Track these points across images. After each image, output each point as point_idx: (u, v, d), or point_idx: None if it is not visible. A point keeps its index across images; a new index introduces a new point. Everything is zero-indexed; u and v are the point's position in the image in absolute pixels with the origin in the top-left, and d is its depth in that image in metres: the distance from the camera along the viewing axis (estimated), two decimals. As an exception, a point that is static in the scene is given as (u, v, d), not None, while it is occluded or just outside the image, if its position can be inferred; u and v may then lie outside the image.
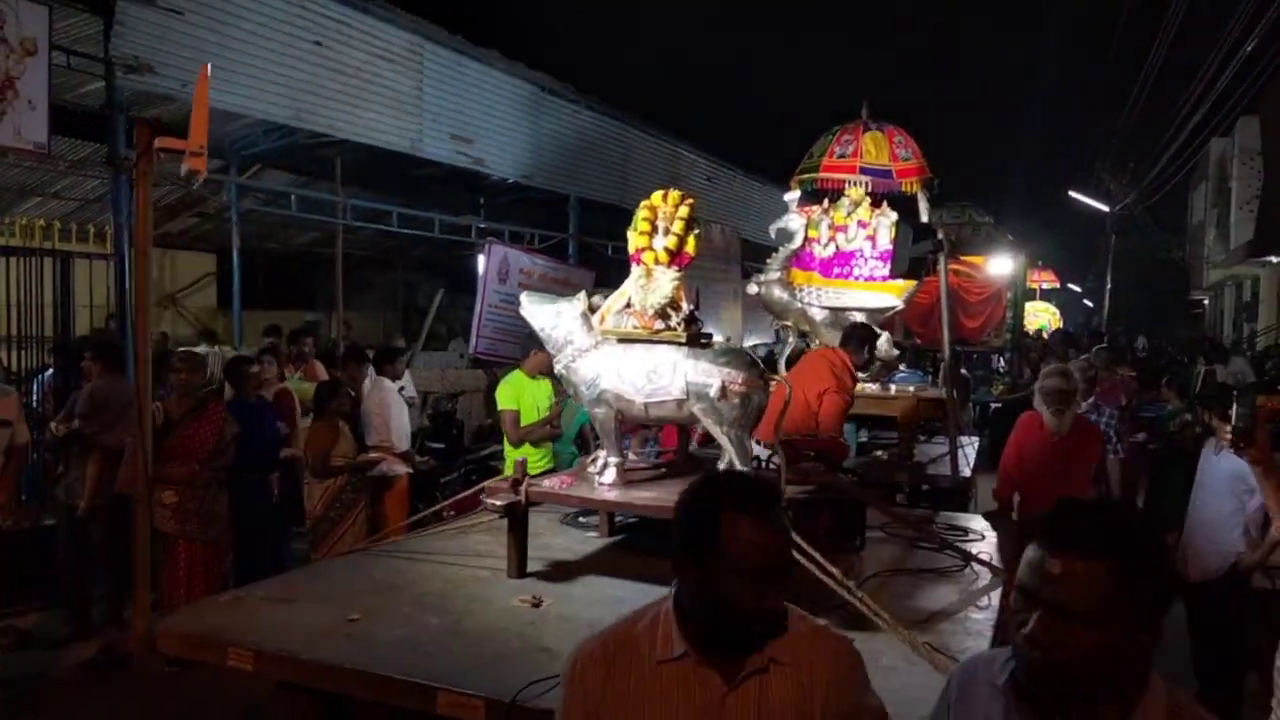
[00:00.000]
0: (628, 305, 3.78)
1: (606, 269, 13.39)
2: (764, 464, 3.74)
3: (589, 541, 4.23)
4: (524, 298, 4.02)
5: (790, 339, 7.21)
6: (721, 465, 3.73)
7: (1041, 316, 21.81)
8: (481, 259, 10.01)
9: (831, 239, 7.17)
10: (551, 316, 3.92)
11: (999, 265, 14.72)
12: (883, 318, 6.90)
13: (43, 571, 5.96)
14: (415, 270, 18.83)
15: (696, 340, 3.71)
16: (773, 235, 7.22)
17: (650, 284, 3.70)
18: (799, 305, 6.91)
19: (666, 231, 3.74)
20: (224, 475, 5.47)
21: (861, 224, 7.06)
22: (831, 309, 6.85)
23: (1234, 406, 3.02)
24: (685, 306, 3.71)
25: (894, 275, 6.80)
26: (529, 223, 12.45)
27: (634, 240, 3.77)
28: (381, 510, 6.20)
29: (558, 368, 3.91)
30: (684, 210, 3.78)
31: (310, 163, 11.13)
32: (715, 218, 15.64)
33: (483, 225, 12.13)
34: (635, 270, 3.75)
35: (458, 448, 8.86)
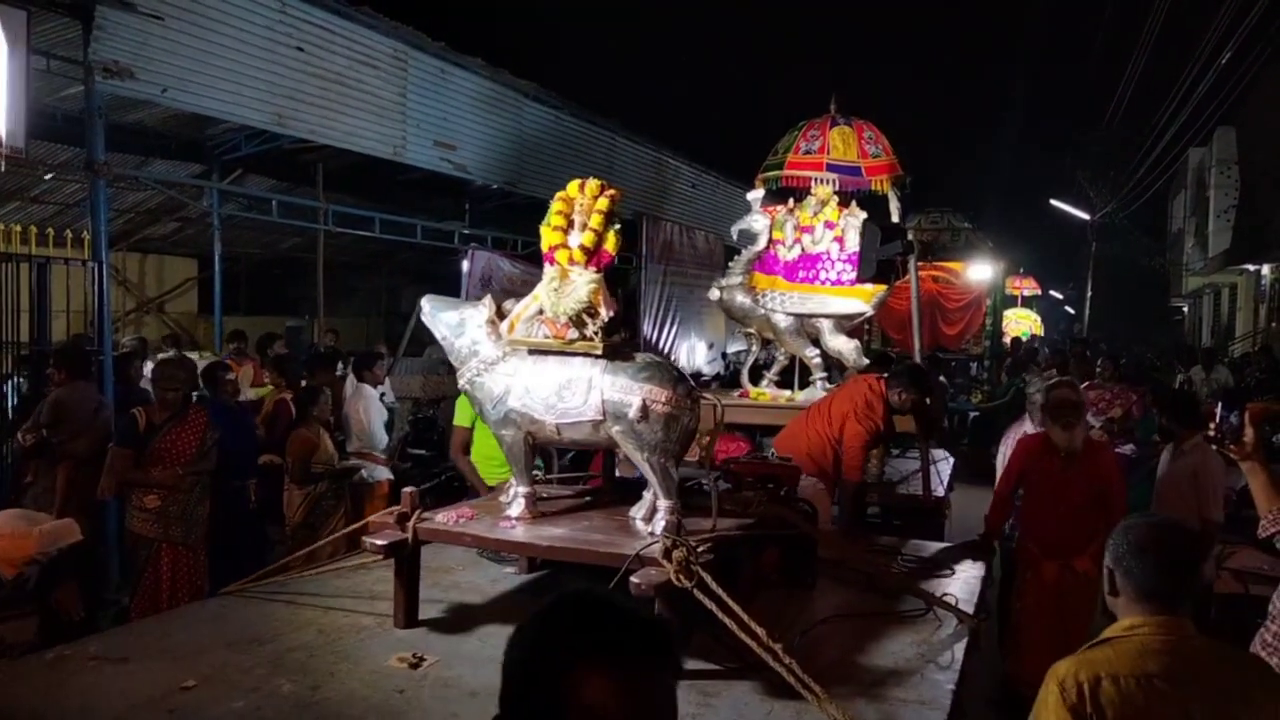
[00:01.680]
0: (540, 312, 3.36)
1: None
2: (700, 487, 3.42)
3: (504, 580, 3.75)
4: (425, 302, 3.61)
5: (754, 347, 6.93)
6: (642, 507, 3.31)
7: (1023, 323, 21.95)
8: (465, 264, 10.01)
9: (797, 241, 6.69)
10: (454, 324, 3.52)
11: (978, 271, 14.58)
12: (851, 325, 6.59)
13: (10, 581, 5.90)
14: (398, 276, 18.79)
15: (616, 352, 3.27)
16: (734, 237, 6.88)
17: (565, 287, 3.25)
18: (762, 311, 6.53)
19: (583, 227, 3.30)
20: (207, 480, 5.45)
21: (829, 225, 6.60)
22: (796, 315, 6.48)
23: (1219, 407, 3.18)
24: (604, 312, 3.27)
25: (861, 279, 6.38)
26: (512, 229, 12.45)
27: (546, 237, 3.36)
28: (362, 517, 6.18)
29: (461, 383, 3.48)
30: (603, 202, 3.33)
31: (293, 168, 11.09)
32: (699, 224, 15.70)
33: (466, 231, 12.12)
34: (548, 271, 3.33)
35: (439, 454, 8.84)
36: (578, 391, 3.24)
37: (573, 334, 3.28)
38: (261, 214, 11.24)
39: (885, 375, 5.29)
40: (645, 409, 3.13)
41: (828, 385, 6.49)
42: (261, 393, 8.11)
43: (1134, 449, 7.79)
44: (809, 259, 6.64)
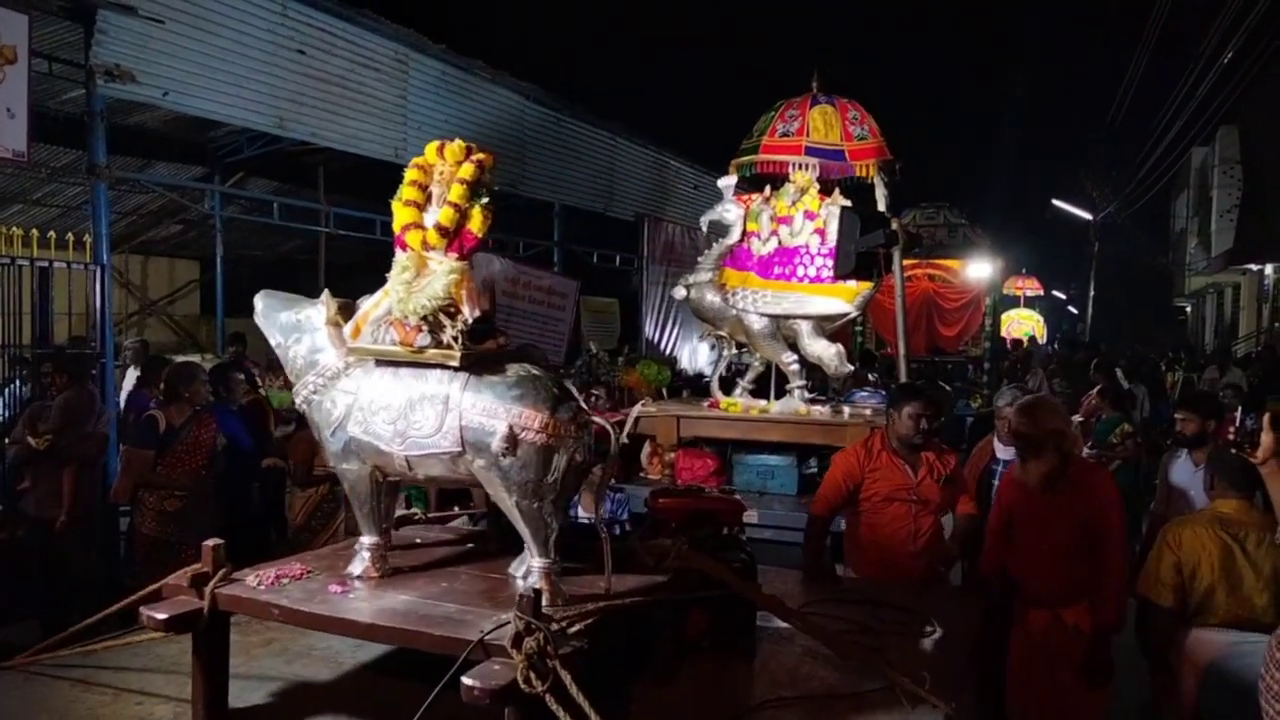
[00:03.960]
0: (390, 311, 2.68)
1: (592, 277, 13.42)
2: (601, 531, 2.62)
3: (364, 649, 2.92)
4: (258, 300, 2.93)
5: (726, 352, 6.27)
6: (523, 564, 2.62)
7: (1025, 324, 21.90)
8: (466, 267, 10.01)
9: (773, 233, 5.97)
10: (289, 327, 2.83)
11: (977, 269, 13.80)
12: (833, 327, 5.90)
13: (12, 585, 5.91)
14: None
15: (483, 363, 2.57)
16: (703, 229, 6.23)
17: (418, 279, 2.61)
18: (734, 312, 5.88)
19: (441, 200, 2.64)
20: (217, 484, 5.48)
21: (809, 215, 5.85)
22: (771, 316, 5.81)
23: (1239, 410, 3.25)
24: (467, 311, 2.60)
25: (839, 274, 5.64)
26: (514, 231, 12.45)
27: (397, 214, 2.69)
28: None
29: (298, 401, 2.81)
30: (466, 169, 2.63)
31: (294, 171, 11.10)
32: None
33: (468, 233, 12.11)
34: (399, 259, 2.66)
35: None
36: (430, 415, 2.54)
37: (423, 339, 2.57)
38: (263, 216, 11.25)
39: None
40: (512, 438, 2.43)
41: (807, 395, 5.94)
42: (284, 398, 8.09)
43: (1093, 451, 7.64)
44: (786, 253, 5.91)
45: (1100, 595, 3.61)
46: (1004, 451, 4.90)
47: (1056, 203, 27.36)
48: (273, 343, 2.89)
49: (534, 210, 12.88)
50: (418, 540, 3.18)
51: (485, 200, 2.64)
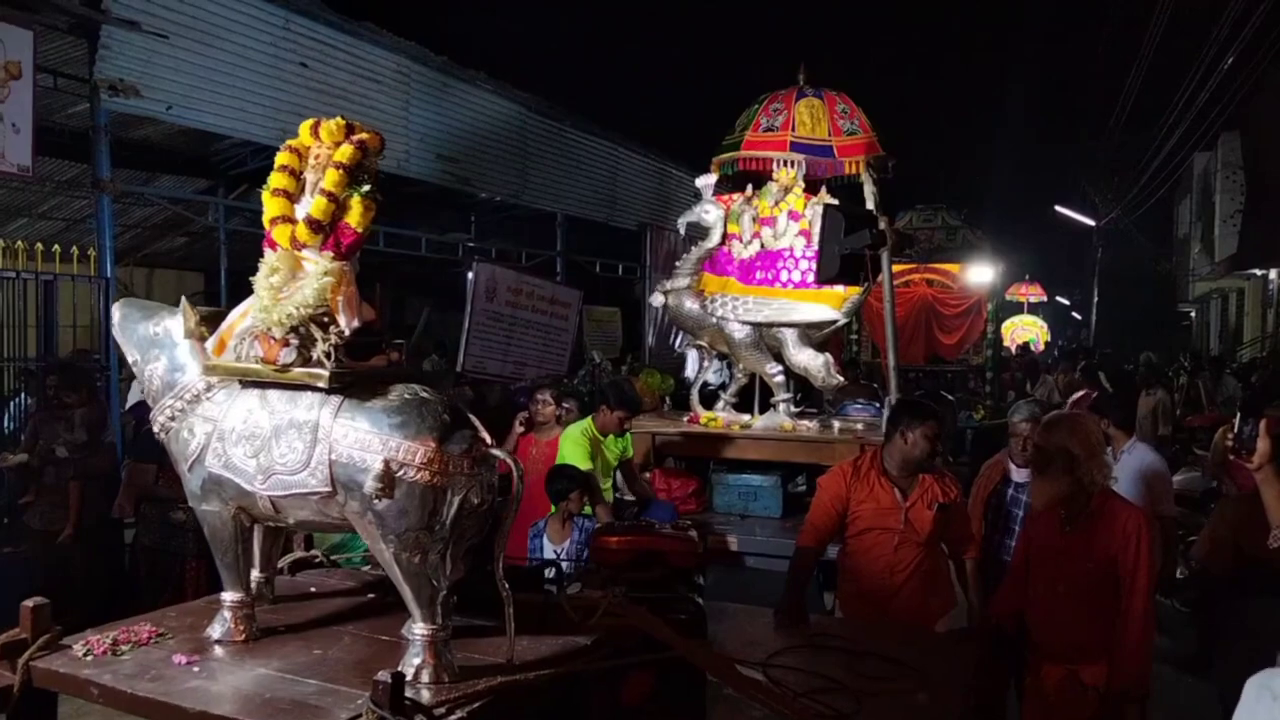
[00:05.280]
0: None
1: (595, 287, 13.46)
2: (502, 587, 2.17)
3: None
4: (116, 311, 2.53)
5: (707, 363, 5.89)
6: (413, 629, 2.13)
7: (1029, 330, 21.86)
8: (469, 277, 10.04)
9: (756, 235, 5.57)
10: (146, 342, 2.44)
11: (977, 274, 13.13)
12: (820, 335, 5.49)
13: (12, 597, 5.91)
14: (403, 288, 18.84)
15: (361, 385, 2.17)
16: (681, 231, 5.87)
17: (292, 283, 2.22)
18: (714, 320, 5.47)
19: (315, 189, 2.24)
20: None
21: (793, 215, 5.45)
22: (753, 324, 5.40)
23: (1236, 417, 3.19)
24: (345, 321, 2.21)
25: (822, 278, 5.22)
26: (516, 241, 12.50)
27: (267, 206, 2.28)
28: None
29: (155, 428, 2.41)
30: (344, 151, 2.23)
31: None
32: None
33: (470, 243, 12.17)
34: (266, 260, 2.27)
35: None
36: (298, 446, 2.14)
37: (288, 355, 2.17)
38: (267, 228, 11.28)
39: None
40: (389, 476, 2.02)
41: (794, 409, 5.51)
42: None
43: None
44: (769, 256, 5.51)
45: (1118, 652, 3.14)
46: (1018, 473, 4.36)
47: (1059, 208, 27.36)
48: (129, 360, 2.49)
49: (537, 220, 12.92)
50: (312, 589, 2.72)
51: (367, 188, 2.24)
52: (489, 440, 2.19)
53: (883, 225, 5.27)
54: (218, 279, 11.72)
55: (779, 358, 5.48)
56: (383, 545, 2.09)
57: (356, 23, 8.97)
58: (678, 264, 5.66)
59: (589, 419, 5.06)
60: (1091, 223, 26.79)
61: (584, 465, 4.76)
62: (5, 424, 6.71)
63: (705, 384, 6.00)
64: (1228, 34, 14.83)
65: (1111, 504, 3.30)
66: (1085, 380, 9.85)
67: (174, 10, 7.19)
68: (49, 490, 5.70)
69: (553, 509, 4.63)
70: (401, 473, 2.03)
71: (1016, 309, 21.49)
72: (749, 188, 5.68)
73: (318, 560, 2.97)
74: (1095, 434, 3.35)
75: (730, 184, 5.85)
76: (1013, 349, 18.32)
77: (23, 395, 6.82)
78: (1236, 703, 2.20)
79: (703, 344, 5.72)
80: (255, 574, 2.53)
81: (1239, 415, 3.22)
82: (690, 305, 5.50)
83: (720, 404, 5.79)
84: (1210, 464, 6.99)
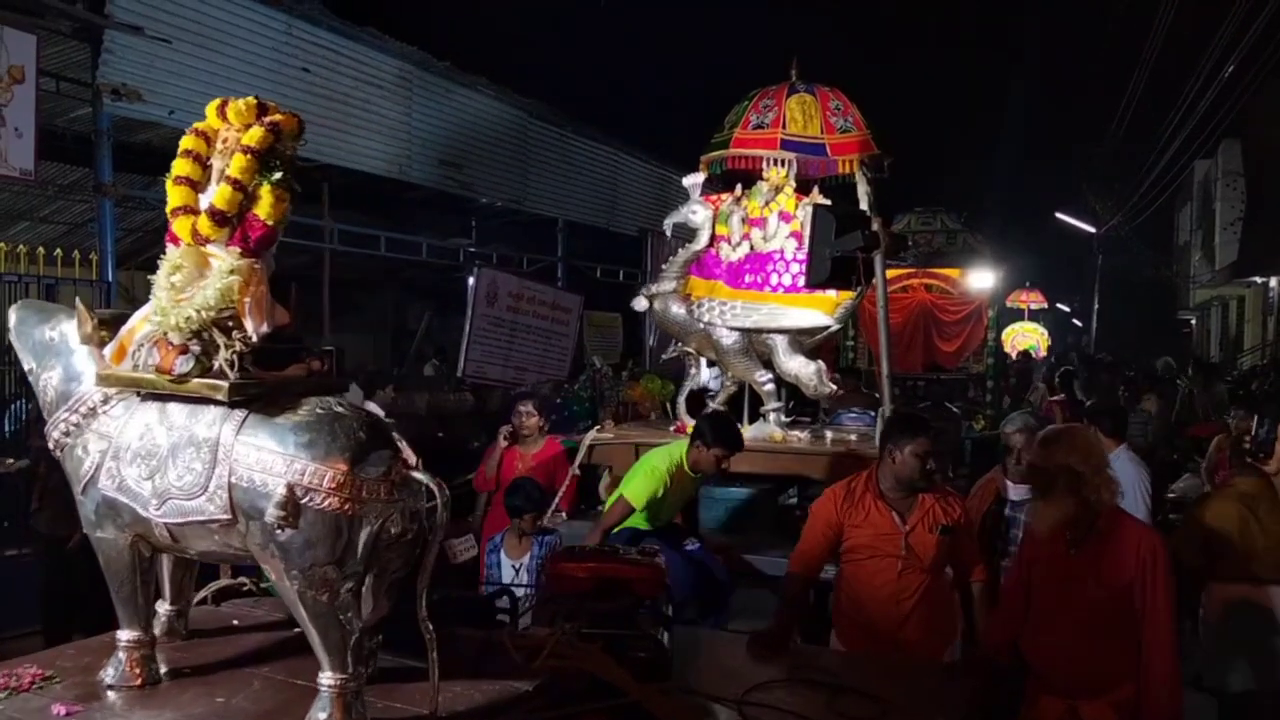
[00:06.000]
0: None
1: (596, 292, 13.46)
2: (425, 629, 1.95)
3: None
4: (12, 314, 2.32)
5: (694, 370, 5.57)
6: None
7: (1030, 337, 21.85)
8: (471, 282, 10.04)
9: (745, 237, 5.29)
10: (42, 348, 2.22)
11: (978, 279, 12.65)
12: (812, 342, 5.24)
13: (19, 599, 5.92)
14: (404, 293, 18.86)
15: (270, 396, 1.96)
16: (667, 232, 5.69)
17: (197, 282, 2.00)
18: (701, 326, 5.22)
19: (221, 176, 2.04)
20: None
21: (784, 216, 5.16)
22: (742, 330, 5.13)
23: (1254, 420, 3.18)
24: (253, 326, 2.00)
25: (811, 282, 4.93)
26: (518, 246, 12.51)
27: (170, 195, 2.11)
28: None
29: (49, 444, 2.19)
30: (254, 135, 2.03)
31: (299, 186, 11.17)
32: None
33: (472, 249, 12.18)
34: (169, 255, 2.07)
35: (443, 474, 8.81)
36: (196, 467, 1.92)
37: (184, 364, 1.94)
38: (268, 233, 11.30)
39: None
40: (293, 502, 1.81)
41: (785, 418, 5.24)
42: None
43: None
44: (758, 259, 5.24)
45: (1150, 688, 2.87)
46: (1014, 490, 4.07)
47: (1060, 215, 27.40)
48: (25, 368, 2.28)
49: (538, 225, 12.92)
50: (235, 622, 2.48)
51: (278, 176, 2.03)
52: (412, 460, 1.96)
53: (876, 227, 4.96)
54: (219, 283, 11.74)
55: (769, 365, 5.23)
56: (287, 582, 1.88)
57: (359, 28, 8.99)
58: (664, 266, 5.43)
59: (682, 448, 4.33)
60: (1092, 230, 26.82)
61: (639, 501, 4.16)
62: (6, 428, 6.70)
63: (707, 390, 5.82)
64: (1228, 42, 14.87)
65: (1122, 524, 3.02)
66: (1062, 386, 10.15)
67: (177, 15, 7.21)
68: (54, 495, 5.69)
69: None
70: (307, 499, 1.82)
71: (1017, 316, 21.47)
72: (738, 187, 5.42)
73: (246, 588, 2.69)
74: (1097, 447, 3.12)
75: (719, 184, 5.62)
76: (1014, 356, 18.27)
77: (22, 400, 6.82)
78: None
79: (689, 350, 5.47)
80: (164, 607, 2.29)
81: (1256, 419, 3.23)
82: (676, 310, 5.27)
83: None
84: (1204, 471, 7.06)
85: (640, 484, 4.20)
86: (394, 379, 9.49)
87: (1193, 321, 30.49)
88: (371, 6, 10.27)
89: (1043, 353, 21.12)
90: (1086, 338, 28.53)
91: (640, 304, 5.47)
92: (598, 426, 5.52)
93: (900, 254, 11.33)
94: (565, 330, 11.13)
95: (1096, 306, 26.50)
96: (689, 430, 5.09)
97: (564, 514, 5.16)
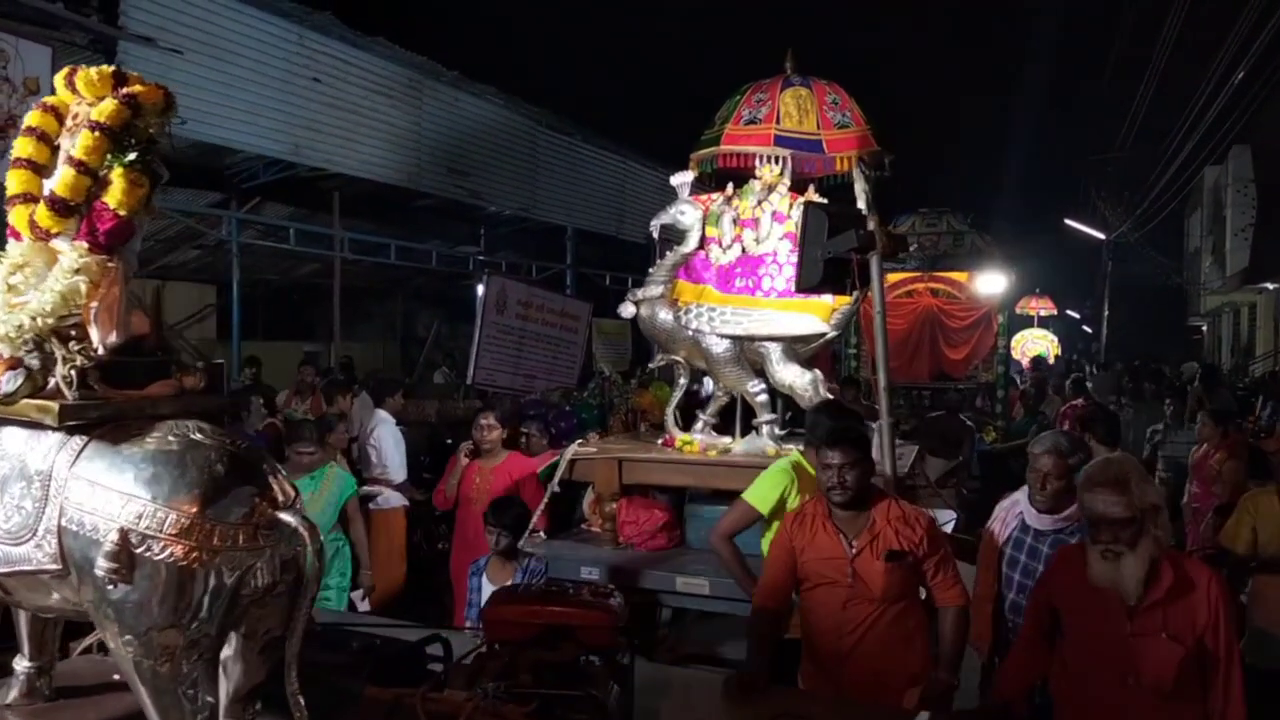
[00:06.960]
0: None
1: (604, 300, 13.47)
2: (290, 684, 1.69)
3: None
4: None
5: (683, 379, 5.21)
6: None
7: (1040, 344, 21.74)
8: (480, 289, 10.08)
9: (736, 239, 4.93)
10: None
11: (986, 283, 11.98)
12: (808, 350, 4.89)
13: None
14: (414, 301, 18.93)
15: (115, 421, 1.67)
16: (654, 234, 5.32)
17: (38, 281, 1.72)
18: (689, 332, 4.84)
19: (66, 158, 1.75)
20: None
21: (777, 217, 4.83)
22: (733, 337, 4.77)
23: (1259, 401, 3.15)
24: (100, 336, 1.71)
25: (801, 286, 4.48)
26: (526, 254, 12.55)
27: (9, 182, 1.82)
28: (378, 543, 6.19)
29: None
30: (106, 109, 1.73)
31: (309, 196, 11.23)
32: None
33: (481, 256, 12.23)
34: (8, 252, 1.80)
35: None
36: (24, 507, 1.62)
37: (10, 381, 1.66)
38: (279, 241, 11.37)
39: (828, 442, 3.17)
40: (126, 552, 1.51)
41: (779, 431, 4.87)
42: None
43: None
44: (750, 262, 4.89)
45: None
46: (1039, 520, 3.46)
47: (1069, 222, 27.30)
48: None
49: (547, 233, 12.96)
50: (116, 676, 2.10)
51: (133, 157, 1.74)
52: (284, 497, 1.65)
53: (872, 226, 4.47)
54: (230, 292, 11.80)
55: (762, 374, 4.86)
56: (121, 649, 1.55)
57: (369, 38, 9.05)
58: (650, 270, 5.06)
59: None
60: (1102, 236, 26.72)
61: (765, 506, 3.80)
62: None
63: (700, 398, 5.64)
64: (1238, 48, 14.82)
65: (1185, 568, 2.57)
66: (1075, 393, 10.19)
67: (190, 26, 7.27)
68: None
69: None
70: (144, 548, 1.51)
71: (1027, 322, 21.39)
72: (729, 187, 5.07)
73: None
74: (1143, 471, 2.66)
75: (710, 183, 5.26)
76: (1024, 363, 18.15)
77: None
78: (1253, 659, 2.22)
79: (678, 359, 5.06)
80: (22, 664, 1.96)
81: (1261, 399, 3.22)
82: (663, 316, 4.88)
83: (699, 425, 5.10)
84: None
85: (761, 491, 3.85)
86: (406, 387, 9.51)
87: (1203, 328, 30.34)
88: (382, 17, 10.35)
89: (1052, 360, 21.06)
90: (1096, 344, 28.39)
91: (627, 310, 5.11)
92: (579, 440, 5.13)
93: (901, 256, 10.68)
94: (574, 338, 11.15)
95: (1106, 313, 26.36)
96: (678, 443, 4.95)
97: (542, 534, 4.82)
